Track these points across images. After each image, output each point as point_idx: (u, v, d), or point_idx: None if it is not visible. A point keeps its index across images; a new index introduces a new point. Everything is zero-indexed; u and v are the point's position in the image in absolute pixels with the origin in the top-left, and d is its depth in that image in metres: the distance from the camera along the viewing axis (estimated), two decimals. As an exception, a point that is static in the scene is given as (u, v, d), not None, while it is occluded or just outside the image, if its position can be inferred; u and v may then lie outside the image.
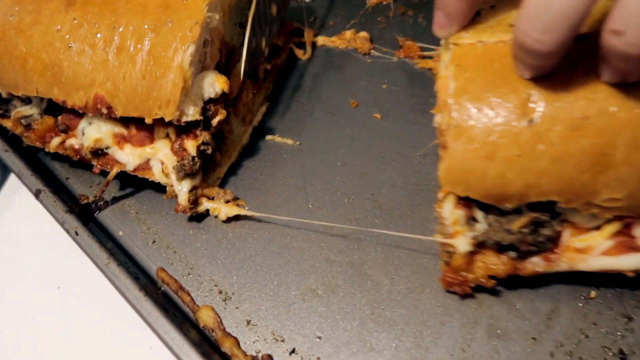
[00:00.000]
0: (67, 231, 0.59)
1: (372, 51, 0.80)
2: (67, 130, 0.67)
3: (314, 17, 0.87)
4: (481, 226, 0.50)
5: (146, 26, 0.59)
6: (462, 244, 0.51)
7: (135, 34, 0.59)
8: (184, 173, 0.61)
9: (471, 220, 0.51)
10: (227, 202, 0.64)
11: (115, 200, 0.68)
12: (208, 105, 0.62)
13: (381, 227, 0.60)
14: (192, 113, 0.59)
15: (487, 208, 0.50)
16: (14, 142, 0.70)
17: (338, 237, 0.61)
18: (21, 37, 0.63)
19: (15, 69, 0.64)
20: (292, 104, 0.75)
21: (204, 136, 0.62)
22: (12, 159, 0.68)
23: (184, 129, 0.62)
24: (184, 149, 0.62)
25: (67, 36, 0.61)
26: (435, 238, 0.54)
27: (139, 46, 0.58)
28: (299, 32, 0.84)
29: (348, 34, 0.82)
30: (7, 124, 0.70)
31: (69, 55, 0.60)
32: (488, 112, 0.46)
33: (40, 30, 0.62)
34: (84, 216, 0.65)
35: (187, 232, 0.64)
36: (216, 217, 0.64)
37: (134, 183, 0.68)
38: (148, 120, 0.59)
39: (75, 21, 0.61)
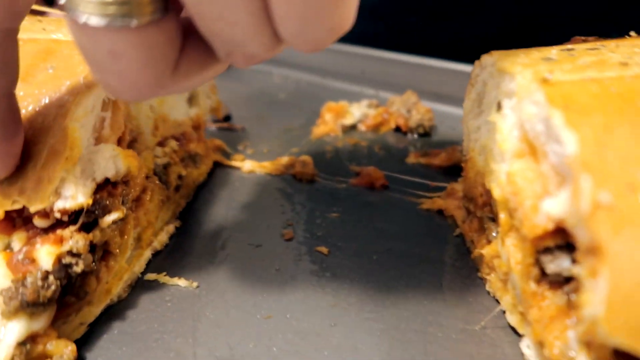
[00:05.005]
0: None
1: (315, 178, 0.61)
2: None
3: (245, 144, 0.70)
4: None
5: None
6: None
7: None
8: (19, 303, 0.32)
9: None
10: None
11: None
12: (100, 194, 0.37)
13: None
14: (72, 194, 0.35)
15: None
16: None
17: None
18: None
19: None
20: (201, 232, 0.51)
21: (77, 241, 0.35)
22: None
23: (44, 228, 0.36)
24: (32, 261, 0.34)
25: None
26: None
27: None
28: (224, 154, 0.66)
29: (285, 159, 0.64)
30: None
31: None
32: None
33: None
34: None
35: None
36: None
37: None
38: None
39: None
